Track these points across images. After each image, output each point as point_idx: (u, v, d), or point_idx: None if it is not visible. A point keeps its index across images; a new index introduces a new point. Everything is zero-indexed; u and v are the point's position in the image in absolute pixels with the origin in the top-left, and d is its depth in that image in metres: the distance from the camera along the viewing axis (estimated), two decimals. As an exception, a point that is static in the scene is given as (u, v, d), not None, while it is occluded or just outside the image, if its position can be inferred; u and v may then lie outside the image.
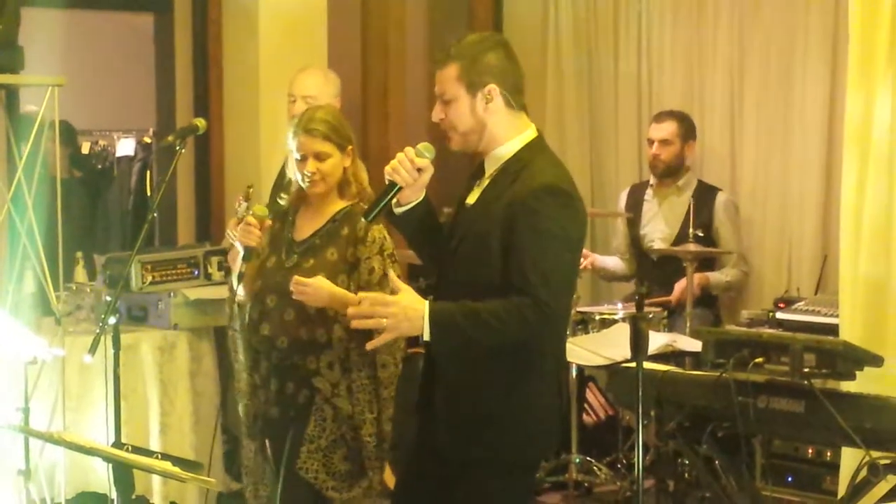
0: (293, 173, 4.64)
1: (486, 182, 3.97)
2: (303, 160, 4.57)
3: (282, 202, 4.74)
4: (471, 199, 4.00)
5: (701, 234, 6.71)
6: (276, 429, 4.66)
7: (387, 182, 3.94)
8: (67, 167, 8.17)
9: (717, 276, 6.96)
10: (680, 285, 6.72)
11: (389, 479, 5.10)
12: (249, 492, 4.83)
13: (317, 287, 4.42)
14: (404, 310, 3.76)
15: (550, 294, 3.75)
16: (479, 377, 3.88)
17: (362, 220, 4.37)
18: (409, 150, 3.94)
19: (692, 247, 6.56)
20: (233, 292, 4.67)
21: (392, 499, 4.32)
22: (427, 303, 3.77)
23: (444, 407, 3.95)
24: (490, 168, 3.97)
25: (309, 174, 4.55)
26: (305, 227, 4.65)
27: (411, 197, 4.00)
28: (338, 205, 4.65)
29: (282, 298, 4.54)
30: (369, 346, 3.95)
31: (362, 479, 4.59)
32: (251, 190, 5.24)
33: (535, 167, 3.88)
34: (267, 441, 4.72)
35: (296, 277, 4.42)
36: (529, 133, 3.96)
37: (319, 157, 4.56)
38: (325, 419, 4.54)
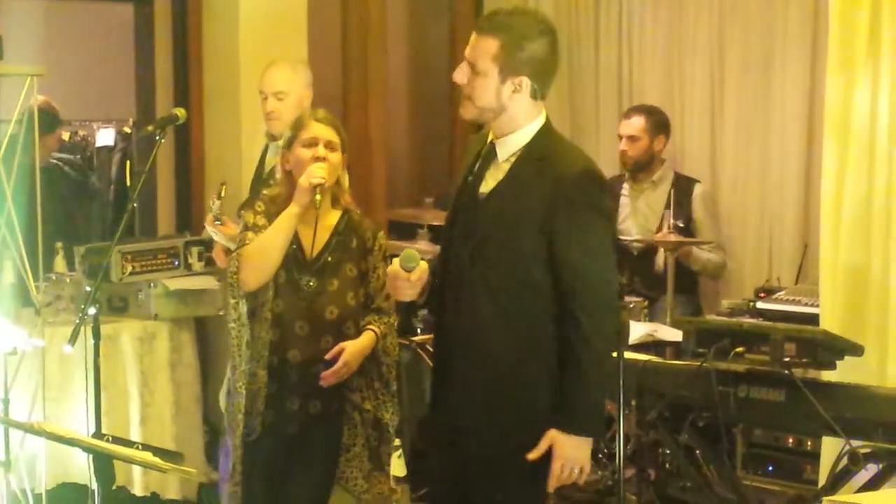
0: (293, 167, 4.57)
1: (502, 169, 3.90)
2: (313, 145, 4.52)
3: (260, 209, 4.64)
4: (485, 189, 3.92)
5: (681, 226, 6.71)
6: (290, 444, 4.62)
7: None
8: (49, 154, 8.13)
9: (698, 251, 6.92)
10: (662, 234, 6.72)
11: (399, 469, 5.15)
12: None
13: (348, 362, 4.49)
14: (574, 451, 3.77)
15: (604, 291, 3.80)
16: (503, 382, 3.83)
17: (369, 229, 4.61)
18: (399, 270, 3.92)
19: (673, 237, 6.56)
20: (238, 294, 4.57)
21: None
22: (560, 430, 3.76)
23: (467, 412, 3.89)
24: (504, 154, 3.91)
25: (318, 158, 4.49)
26: (310, 242, 4.57)
27: (426, 287, 4.00)
28: (333, 214, 4.62)
29: (315, 325, 4.53)
30: (551, 487, 3.84)
31: (382, 475, 4.67)
32: (224, 187, 5.21)
33: (560, 154, 3.89)
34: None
35: (326, 375, 4.47)
36: (541, 119, 3.93)
37: (331, 146, 4.54)
38: (355, 425, 4.61)
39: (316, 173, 4.42)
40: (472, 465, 3.87)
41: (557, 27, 7.72)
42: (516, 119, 3.88)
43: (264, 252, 4.47)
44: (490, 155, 3.95)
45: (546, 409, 3.81)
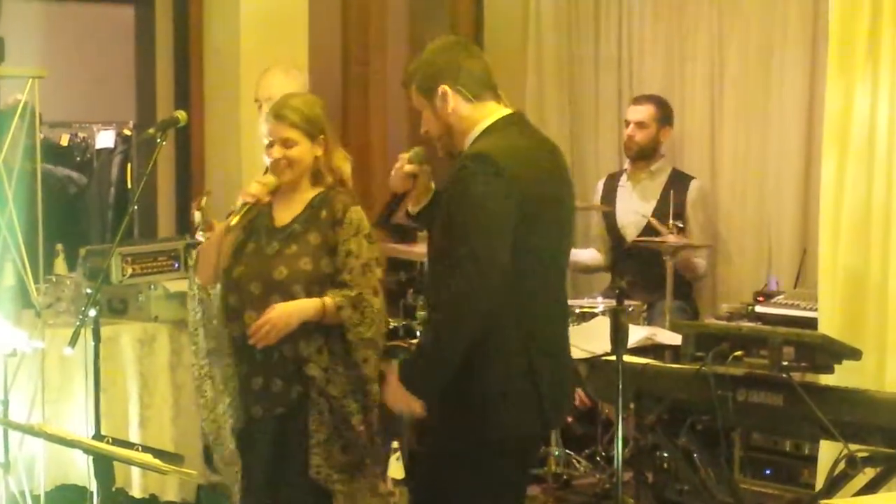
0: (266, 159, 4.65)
1: None
2: (270, 145, 4.55)
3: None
4: None
5: (681, 226, 6.70)
6: (259, 430, 4.60)
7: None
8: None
9: (696, 260, 6.96)
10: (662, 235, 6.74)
11: (397, 471, 5.11)
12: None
13: (270, 318, 4.43)
14: (394, 385, 3.97)
15: (473, 258, 3.80)
16: None
17: (342, 202, 4.52)
18: (403, 156, 4.18)
19: (672, 239, 6.56)
20: (196, 284, 4.66)
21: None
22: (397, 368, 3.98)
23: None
24: None
25: (275, 160, 4.54)
26: (284, 214, 4.61)
27: (421, 199, 4.24)
28: (312, 192, 4.62)
29: (266, 285, 4.51)
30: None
31: (364, 471, 4.58)
32: (205, 198, 5.19)
33: (473, 145, 3.98)
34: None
35: (252, 328, 4.45)
36: (488, 120, 4.01)
37: (286, 143, 4.53)
38: (322, 412, 4.47)
39: (249, 190, 4.51)
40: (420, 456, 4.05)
41: (557, 19, 7.86)
42: (463, 129, 4.03)
43: (202, 258, 4.66)
44: None
45: (475, 392, 3.92)
